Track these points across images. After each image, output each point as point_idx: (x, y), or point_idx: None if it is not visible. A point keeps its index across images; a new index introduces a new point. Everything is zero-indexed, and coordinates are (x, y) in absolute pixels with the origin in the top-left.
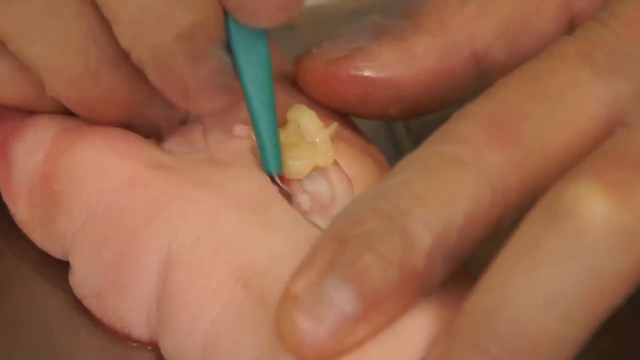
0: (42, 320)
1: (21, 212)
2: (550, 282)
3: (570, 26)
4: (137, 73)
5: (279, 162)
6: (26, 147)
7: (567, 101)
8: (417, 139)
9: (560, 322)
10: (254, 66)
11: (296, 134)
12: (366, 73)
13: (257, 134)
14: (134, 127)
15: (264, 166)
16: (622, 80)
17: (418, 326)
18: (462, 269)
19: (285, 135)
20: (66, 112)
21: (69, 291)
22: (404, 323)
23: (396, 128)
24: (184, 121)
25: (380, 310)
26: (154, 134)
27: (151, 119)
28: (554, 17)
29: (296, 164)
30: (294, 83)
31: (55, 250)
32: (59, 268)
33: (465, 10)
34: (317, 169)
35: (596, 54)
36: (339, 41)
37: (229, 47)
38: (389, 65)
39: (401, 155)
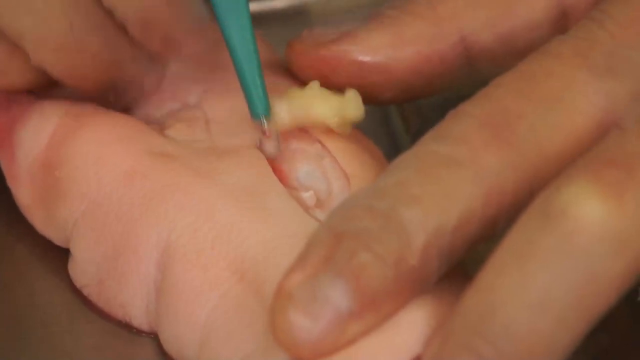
0: (42, 319)
1: (24, 197)
2: (543, 285)
3: (562, 18)
4: (119, 34)
5: (267, 104)
6: (30, 133)
7: (563, 102)
8: (415, 135)
9: (552, 326)
10: (232, 9)
11: (322, 91)
12: (354, 56)
13: (241, 77)
14: (119, 91)
15: (250, 110)
16: (618, 82)
17: (412, 322)
18: (457, 268)
19: (309, 91)
20: (47, 84)
21: (68, 289)
22: (399, 319)
23: (394, 123)
24: (161, 78)
25: (375, 307)
26: (137, 96)
27: (134, 80)
28: (544, 7)
29: (323, 109)
30: (285, 69)
31: (56, 237)
32: (57, 266)
33: None
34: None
35: (592, 55)
36: (330, 26)
37: None
38: (377, 49)
39: (399, 152)
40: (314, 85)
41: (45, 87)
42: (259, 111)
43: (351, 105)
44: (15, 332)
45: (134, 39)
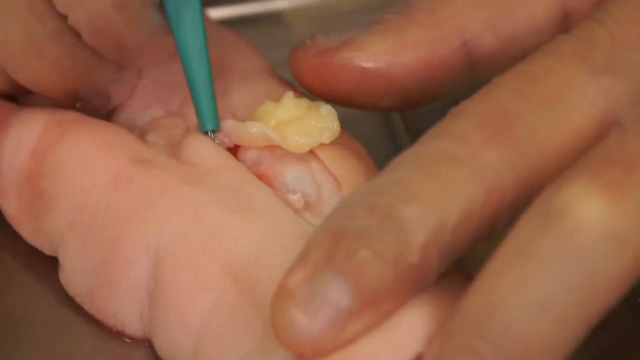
0: (40, 320)
1: (10, 207)
2: (543, 285)
3: (564, 21)
4: (80, 42)
5: (216, 119)
6: (12, 143)
7: (563, 101)
8: (416, 136)
9: (553, 326)
10: (186, 23)
11: (297, 106)
12: (356, 63)
13: (192, 90)
14: (85, 99)
15: (200, 124)
16: (618, 82)
17: (412, 321)
18: (457, 267)
19: (284, 109)
20: (21, 91)
21: (63, 290)
22: (399, 318)
23: (395, 125)
24: (133, 87)
25: (375, 305)
26: (105, 105)
27: (100, 89)
28: (545, 10)
29: (299, 140)
30: (272, 73)
31: (44, 246)
32: (51, 268)
33: (455, 2)
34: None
35: (593, 54)
36: (332, 33)
37: (161, 6)
38: (378, 55)
39: (399, 152)
40: (288, 98)
41: (19, 93)
42: (207, 126)
43: (325, 127)
44: (13, 334)
45: (91, 46)
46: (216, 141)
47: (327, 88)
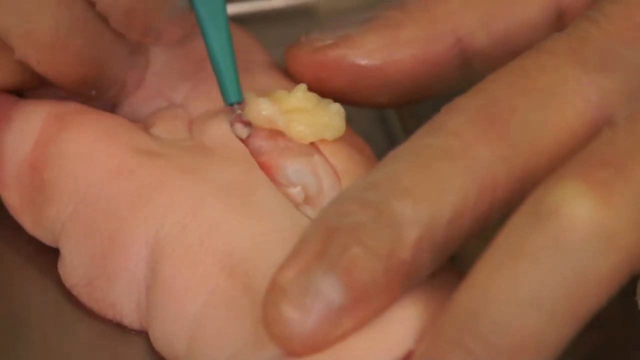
0: (37, 320)
1: (12, 199)
2: (534, 282)
3: (558, 20)
4: (101, 30)
5: (239, 91)
6: (15, 135)
7: (556, 98)
8: (412, 134)
9: (543, 323)
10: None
11: (307, 99)
12: (350, 60)
13: (214, 64)
14: (101, 87)
15: (223, 97)
16: (611, 79)
17: (405, 318)
18: (448, 265)
19: (295, 99)
20: (31, 83)
21: (62, 288)
22: (391, 315)
23: (391, 122)
24: (143, 74)
25: (367, 302)
26: (120, 92)
27: (117, 76)
28: (540, 8)
29: (303, 130)
30: (280, 70)
31: (45, 238)
32: (50, 266)
33: (450, 0)
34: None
35: (586, 52)
36: (327, 30)
37: None
38: (373, 53)
39: None
40: (300, 90)
41: (29, 87)
42: (231, 98)
43: (331, 123)
44: (12, 333)
45: (115, 30)
46: (239, 112)
47: (322, 85)
